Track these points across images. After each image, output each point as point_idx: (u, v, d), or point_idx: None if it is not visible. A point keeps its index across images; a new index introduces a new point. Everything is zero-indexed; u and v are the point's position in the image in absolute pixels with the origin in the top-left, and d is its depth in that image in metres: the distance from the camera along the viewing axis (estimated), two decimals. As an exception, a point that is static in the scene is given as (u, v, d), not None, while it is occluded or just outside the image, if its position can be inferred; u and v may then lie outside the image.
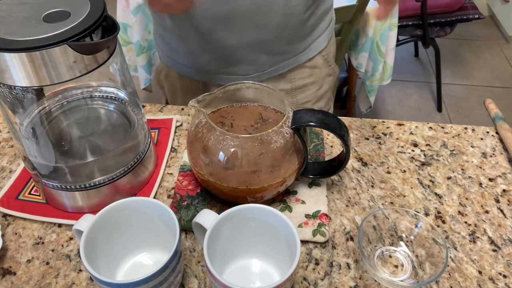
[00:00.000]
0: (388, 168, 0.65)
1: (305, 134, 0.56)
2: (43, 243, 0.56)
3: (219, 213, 0.47)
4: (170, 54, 0.86)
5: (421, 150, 0.68)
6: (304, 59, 0.82)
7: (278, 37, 0.75)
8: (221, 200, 0.60)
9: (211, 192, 0.59)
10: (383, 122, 0.73)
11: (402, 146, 0.69)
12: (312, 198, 0.60)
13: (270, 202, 0.59)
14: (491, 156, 0.67)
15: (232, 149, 0.52)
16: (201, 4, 0.68)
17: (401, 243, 0.54)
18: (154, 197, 0.61)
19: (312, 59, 0.83)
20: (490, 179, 0.64)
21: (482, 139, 0.70)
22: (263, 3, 0.69)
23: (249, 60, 0.77)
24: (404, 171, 0.65)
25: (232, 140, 0.52)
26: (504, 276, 0.53)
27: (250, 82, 0.58)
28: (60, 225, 0.58)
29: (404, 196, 0.61)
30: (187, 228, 0.56)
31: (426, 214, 0.59)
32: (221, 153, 0.53)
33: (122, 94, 0.63)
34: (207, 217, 0.48)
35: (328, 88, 0.92)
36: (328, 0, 0.80)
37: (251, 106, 0.61)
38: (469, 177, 0.64)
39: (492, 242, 0.56)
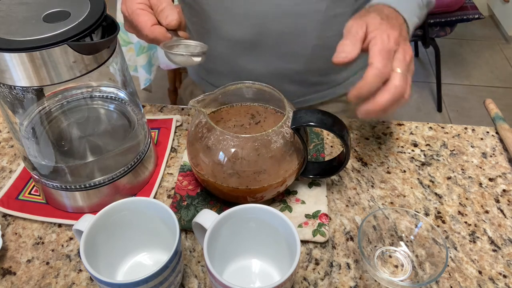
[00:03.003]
0: (388, 168, 0.65)
1: (305, 134, 0.56)
2: (43, 243, 0.56)
3: (219, 213, 0.47)
4: (199, 71, 0.83)
5: (421, 150, 0.68)
6: (340, 92, 0.73)
7: (310, 69, 0.68)
8: (221, 200, 0.60)
9: (211, 192, 0.59)
10: (383, 122, 0.73)
11: (402, 146, 0.69)
12: (312, 198, 0.60)
13: (270, 202, 0.59)
14: (491, 156, 0.67)
15: (232, 149, 0.52)
16: (226, 29, 0.65)
17: (401, 243, 0.54)
18: (154, 197, 0.61)
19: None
20: (490, 179, 0.64)
21: (482, 139, 0.70)
22: (293, 33, 0.63)
23: (276, 88, 0.74)
24: (404, 171, 0.65)
25: (232, 140, 0.52)
26: (504, 276, 0.52)
27: (250, 82, 0.58)
28: (60, 225, 0.58)
29: (404, 196, 0.61)
30: (187, 228, 0.56)
31: (426, 214, 0.59)
32: (221, 153, 0.53)
33: (122, 94, 0.63)
34: (207, 217, 0.48)
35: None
36: None
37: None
38: (469, 177, 0.64)
39: (492, 242, 0.56)
